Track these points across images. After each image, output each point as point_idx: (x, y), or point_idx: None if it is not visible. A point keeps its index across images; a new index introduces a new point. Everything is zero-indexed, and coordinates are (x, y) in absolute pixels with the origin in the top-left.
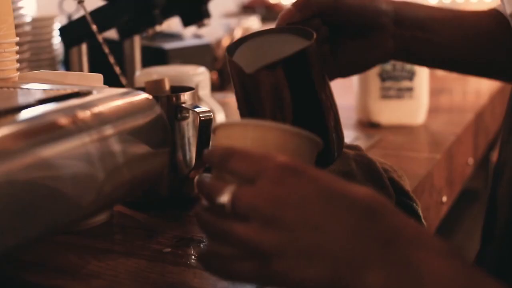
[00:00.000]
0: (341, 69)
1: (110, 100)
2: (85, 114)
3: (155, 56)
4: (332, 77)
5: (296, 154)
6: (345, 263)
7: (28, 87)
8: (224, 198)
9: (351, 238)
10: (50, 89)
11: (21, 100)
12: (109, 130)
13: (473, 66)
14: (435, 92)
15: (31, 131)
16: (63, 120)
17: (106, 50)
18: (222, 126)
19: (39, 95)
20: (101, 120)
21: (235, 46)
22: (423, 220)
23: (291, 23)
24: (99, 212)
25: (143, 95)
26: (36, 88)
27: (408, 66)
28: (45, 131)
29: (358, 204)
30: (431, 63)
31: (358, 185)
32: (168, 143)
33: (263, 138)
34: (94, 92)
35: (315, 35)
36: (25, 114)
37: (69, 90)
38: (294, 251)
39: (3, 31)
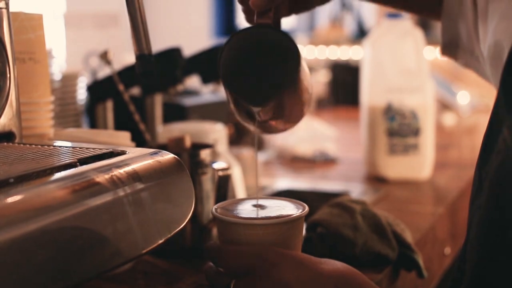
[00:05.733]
0: (293, 8)
1: (141, 159)
2: (120, 172)
3: (175, 112)
4: (288, 14)
5: (285, 236)
6: None
7: (67, 145)
8: None
9: None
10: (87, 148)
11: (64, 158)
12: (140, 186)
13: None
14: (443, 147)
15: (75, 187)
16: (101, 178)
17: (132, 108)
18: (220, 220)
19: (79, 155)
20: (134, 177)
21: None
22: (423, 271)
23: None
24: (131, 261)
25: (170, 155)
26: (74, 146)
27: (414, 124)
28: (86, 187)
29: (331, 281)
30: None
31: (331, 262)
32: (191, 197)
33: (255, 234)
34: (127, 152)
35: None
36: (70, 172)
37: (104, 150)
38: None
39: (41, 91)
